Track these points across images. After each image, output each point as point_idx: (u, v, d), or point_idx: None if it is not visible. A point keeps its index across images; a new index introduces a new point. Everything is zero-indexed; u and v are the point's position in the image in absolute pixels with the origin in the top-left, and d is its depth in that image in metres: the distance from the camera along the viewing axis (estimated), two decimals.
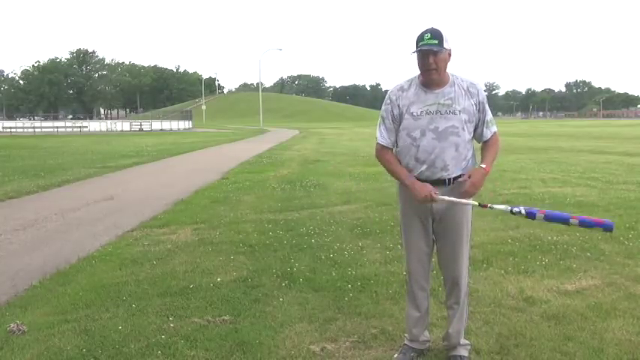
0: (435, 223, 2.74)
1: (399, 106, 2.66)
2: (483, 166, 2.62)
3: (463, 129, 2.62)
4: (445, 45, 2.51)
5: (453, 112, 2.60)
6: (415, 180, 2.63)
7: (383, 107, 2.73)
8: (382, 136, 2.72)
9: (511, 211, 2.59)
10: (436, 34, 2.50)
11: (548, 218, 2.54)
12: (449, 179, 2.65)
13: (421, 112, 2.62)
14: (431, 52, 2.51)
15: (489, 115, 2.71)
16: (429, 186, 2.59)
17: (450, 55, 2.58)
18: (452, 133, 2.60)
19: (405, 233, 2.82)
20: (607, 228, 2.53)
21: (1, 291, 4.10)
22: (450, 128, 2.60)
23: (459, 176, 2.66)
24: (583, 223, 2.54)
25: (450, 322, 2.83)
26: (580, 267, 4.33)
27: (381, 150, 2.75)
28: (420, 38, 2.52)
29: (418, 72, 2.66)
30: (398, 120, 2.68)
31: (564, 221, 2.58)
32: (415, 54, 2.57)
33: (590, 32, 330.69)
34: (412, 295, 2.85)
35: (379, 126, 2.73)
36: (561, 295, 3.71)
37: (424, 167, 2.64)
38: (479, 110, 2.66)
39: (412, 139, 2.65)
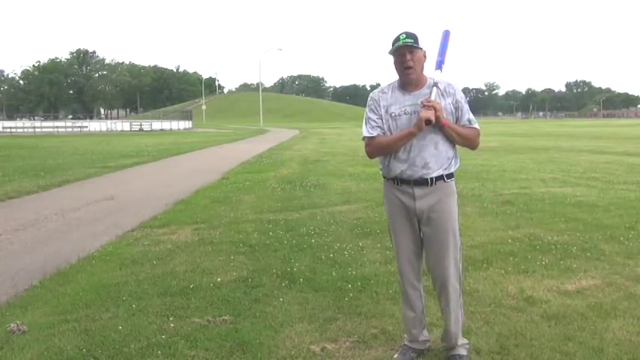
0: (420, 224, 2.75)
1: (380, 106, 2.72)
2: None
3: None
4: (420, 45, 2.60)
5: (420, 107, 2.61)
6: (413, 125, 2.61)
7: (366, 109, 2.79)
8: (368, 131, 2.73)
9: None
10: (411, 35, 2.60)
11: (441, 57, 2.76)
12: (431, 179, 2.66)
13: (399, 112, 2.68)
14: (407, 49, 2.59)
15: (469, 115, 2.72)
16: (419, 115, 2.55)
17: (425, 56, 2.67)
18: (430, 131, 2.63)
19: (393, 234, 2.85)
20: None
21: (1, 291, 4.11)
22: (428, 127, 2.61)
23: (442, 176, 2.68)
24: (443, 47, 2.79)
25: (445, 323, 2.83)
26: (580, 267, 4.33)
27: (370, 140, 2.74)
28: (396, 39, 2.61)
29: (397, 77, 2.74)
30: (381, 119, 2.71)
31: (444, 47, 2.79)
32: (393, 58, 2.65)
33: (590, 32, 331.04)
34: (405, 294, 2.87)
35: (364, 125, 2.76)
36: (561, 295, 3.71)
37: (405, 166, 2.68)
38: (456, 109, 2.69)
39: None
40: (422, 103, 2.59)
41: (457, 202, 2.79)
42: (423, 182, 2.67)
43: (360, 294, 3.78)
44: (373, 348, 2.96)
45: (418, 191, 2.69)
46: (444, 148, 2.68)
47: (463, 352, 2.80)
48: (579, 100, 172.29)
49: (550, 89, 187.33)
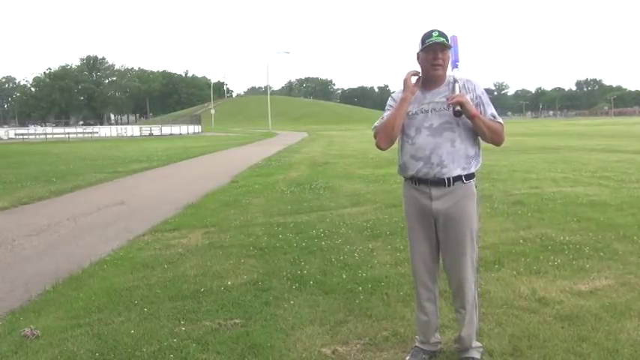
0: (437, 225, 2.72)
1: None
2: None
3: (458, 124, 2.62)
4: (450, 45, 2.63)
5: (447, 108, 2.61)
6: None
7: (386, 107, 2.79)
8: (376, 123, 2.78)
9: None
10: (442, 34, 2.61)
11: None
12: (448, 179, 2.62)
13: (416, 111, 2.68)
14: (439, 47, 2.59)
15: (492, 110, 2.68)
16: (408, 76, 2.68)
17: (449, 57, 2.67)
18: (446, 128, 2.62)
19: (409, 233, 2.83)
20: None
21: (15, 296, 4.15)
22: (444, 124, 2.62)
23: (460, 177, 2.64)
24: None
25: (460, 325, 2.81)
26: (593, 267, 4.29)
27: (376, 129, 2.78)
28: (429, 35, 2.60)
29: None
30: None
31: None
32: (421, 54, 2.65)
33: (601, 29, 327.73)
34: (418, 296, 2.85)
35: (379, 120, 2.79)
36: (574, 295, 3.68)
37: (420, 164, 2.65)
38: (477, 104, 2.64)
39: (408, 137, 2.70)
40: (447, 100, 2.59)
41: (478, 204, 2.73)
42: (439, 182, 2.64)
43: (370, 296, 3.77)
44: (384, 350, 2.95)
45: (435, 192, 2.65)
46: (461, 146, 2.63)
47: (476, 355, 2.77)
48: (590, 98, 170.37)
49: (560, 88, 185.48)
